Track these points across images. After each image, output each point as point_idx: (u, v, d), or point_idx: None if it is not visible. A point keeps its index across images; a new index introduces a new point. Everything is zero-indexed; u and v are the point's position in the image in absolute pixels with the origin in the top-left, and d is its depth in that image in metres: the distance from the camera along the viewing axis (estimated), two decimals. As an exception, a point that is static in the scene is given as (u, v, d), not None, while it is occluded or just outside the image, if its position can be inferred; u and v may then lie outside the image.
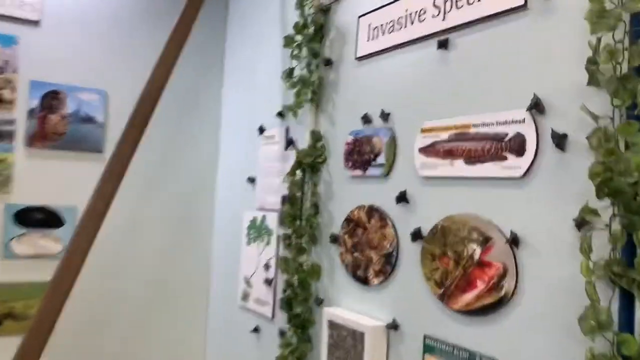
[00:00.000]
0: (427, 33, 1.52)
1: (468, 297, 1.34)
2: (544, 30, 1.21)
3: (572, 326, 1.10)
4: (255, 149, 2.42)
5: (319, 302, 1.89)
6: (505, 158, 1.27)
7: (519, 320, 1.21)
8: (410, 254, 1.53)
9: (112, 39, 2.57)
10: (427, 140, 1.50)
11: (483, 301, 1.30)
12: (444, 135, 1.44)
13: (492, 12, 1.33)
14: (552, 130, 1.17)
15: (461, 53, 1.42)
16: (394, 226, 1.60)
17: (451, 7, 1.45)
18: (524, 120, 1.23)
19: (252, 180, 2.42)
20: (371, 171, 1.70)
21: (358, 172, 1.76)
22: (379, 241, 1.65)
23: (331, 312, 1.74)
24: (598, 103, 1.08)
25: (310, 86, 1.97)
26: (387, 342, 1.58)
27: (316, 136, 1.97)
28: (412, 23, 1.58)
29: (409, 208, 1.55)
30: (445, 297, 1.40)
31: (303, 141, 2.04)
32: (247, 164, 2.49)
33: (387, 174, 1.64)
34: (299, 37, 2.01)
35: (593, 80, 1.06)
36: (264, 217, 2.27)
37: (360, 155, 1.75)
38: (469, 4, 1.39)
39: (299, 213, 1.95)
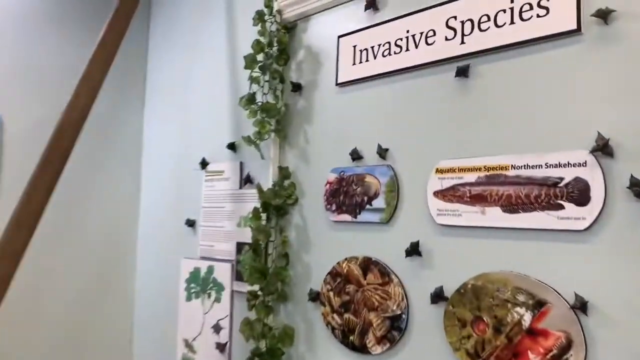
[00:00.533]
0: (439, 58, 1.31)
1: (515, 372, 1.12)
2: (605, 60, 1.05)
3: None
4: (193, 186, 2.05)
5: (293, 371, 1.58)
6: (561, 207, 1.08)
7: (593, 403, 1.01)
8: (427, 318, 1.29)
9: (10, 55, 2.07)
10: (445, 182, 1.27)
11: (539, 378, 1.08)
12: (470, 177, 1.23)
13: (531, 37, 1.14)
14: (632, 176, 0.99)
15: (487, 82, 1.22)
16: (401, 284, 1.35)
17: (472, 29, 1.25)
18: (585, 164, 1.05)
19: (191, 223, 2.04)
20: (366, 216, 1.44)
21: (346, 217, 1.49)
22: (380, 301, 1.39)
23: (319, 388, 1.44)
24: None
25: (277, 115, 1.68)
26: None
27: (284, 173, 1.67)
28: (417, 46, 1.36)
29: (423, 262, 1.31)
30: (482, 372, 1.17)
31: (265, 178, 1.73)
32: (181, 203, 2.11)
33: (388, 220, 1.39)
34: (259, 57, 1.71)
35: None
36: (210, 269, 1.91)
37: (349, 197, 1.49)
38: (497, 26, 1.20)
39: (264, 265, 1.63)
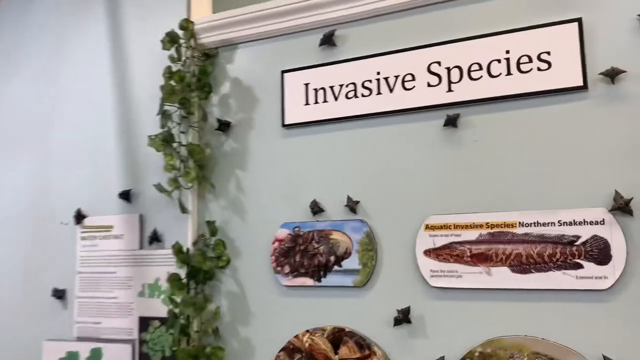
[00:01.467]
0: (423, 104, 1.21)
1: None
2: (614, 116, 1.06)
3: None
4: (57, 245, 1.59)
5: None
6: (580, 266, 1.05)
7: None
8: (424, 394, 1.15)
9: None
10: (438, 239, 1.17)
11: None
12: (470, 235, 1.14)
13: (532, 90, 1.12)
14: (654, 232, 1.01)
15: (481, 133, 1.16)
16: (386, 357, 1.18)
17: (460, 77, 1.18)
18: (603, 222, 1.04)
19: (59, 294, 1.57)
20: (333, 279, 1.25)
21: (305, 280, 1.28)
22: (359, 378, 1.20)
23: None
24: None
25: (201, 159, 1.39)
26: None
27: (212, 229, 1.38)
28: (392, 90, 1.24)
29: (414, 331, 1.17)
30: None
31: (181, 236, 1.41)
32: (42, 268, 1.61)
33: (364, 283, 1.22)
34: (177, 88, 1.40)
35: None
36: (96, 353, 1.48)
37: (309, 258, 1.28)
38: (491, 76, 1.16)
39: (199, 346, 1.31)
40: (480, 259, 1.13)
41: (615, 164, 1.05)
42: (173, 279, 1.33)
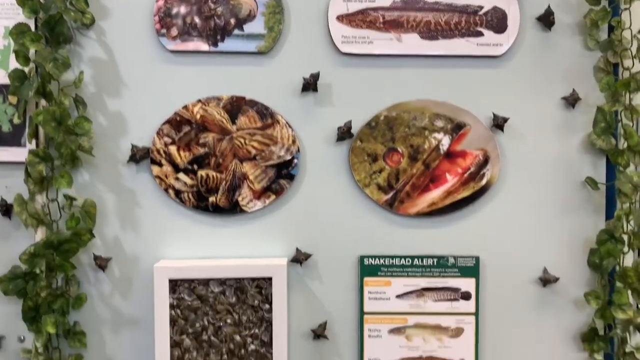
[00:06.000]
0: None
1: (432, 196, 1.15)
2: None
3: (563, 203, 1.15)
4: None
5: (102, 263, 1.13)
6: (480, 34, 1.14)
7: (502, 210, 1.16)
8: (328, 159, 1.15)
9: None
10: (352, 5, 1.13)
11: (456, 196, 1.15)
12: (384, 1, 1.13)
13: None
14: (548, 7, 1.13)
15: None
16: (289, 125, 1.14)
17: None
18: (504, -6, 1.14)
19: None
20: (232, 44, 1.13)
21: (198, 44, 1.13)
22: (260, 148, 1.14)
23: (173, 267, 1.09)
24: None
25: None
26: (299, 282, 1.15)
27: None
28: None
29: (320, 99, 1.14)
30: (397, 203, 1.15)
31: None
32: None
33: (269, 49, 1.13)
34: None
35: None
36: None
37: (203, 19, 1.12)
38: None
39: (64, 109, 1.06)
40: (393, 25, 1.13)
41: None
42: (21, 30, 1.04)
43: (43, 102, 1.08)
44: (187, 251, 1.14)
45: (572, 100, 1.14)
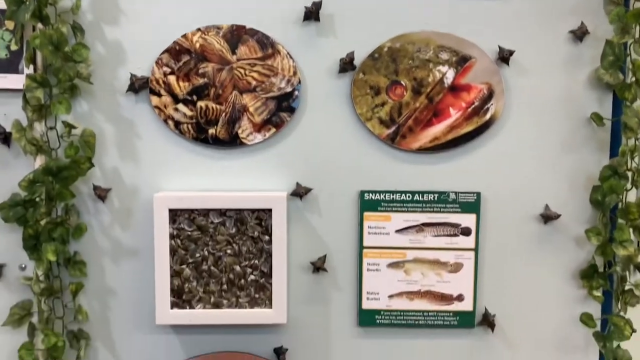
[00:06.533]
0: None
1: (434, 130, 1.14)
2: None
3: (567, 139, 1.14)
4: None
5: (102, 193, 1.12)
6: (489, -33, 1.11)
7: (505, 146, 1.14)
8: (329, 92, 1.13)
9: None
10: None
11: (459, 131, 1.14)
12: None
13: None
14: None
15: None
16: (290, 56, 1.12)
17: None
18: None
19: None
20: (233, -28, 1.10)
21: (198, -28, 1.10)
22: (260, 79, 1.12)
23: (173, 197, 1.09)
24: None
25: None
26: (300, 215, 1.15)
27: None
28: None
29: (322, 29, 1.12)
30: (398, 137, 1.13)
31: None
32: None
33: (270, -23, 1.10)
34: None
35: None
36: None
37: (203, -55, 1.09)
38: None
39: (61, 34, 1.04)
40: (398, -47, 1.10)
41: None
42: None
43: (40, 27, 1.05)
44: (187, 183, 1.14)
45: (580, 34, 1.11)
